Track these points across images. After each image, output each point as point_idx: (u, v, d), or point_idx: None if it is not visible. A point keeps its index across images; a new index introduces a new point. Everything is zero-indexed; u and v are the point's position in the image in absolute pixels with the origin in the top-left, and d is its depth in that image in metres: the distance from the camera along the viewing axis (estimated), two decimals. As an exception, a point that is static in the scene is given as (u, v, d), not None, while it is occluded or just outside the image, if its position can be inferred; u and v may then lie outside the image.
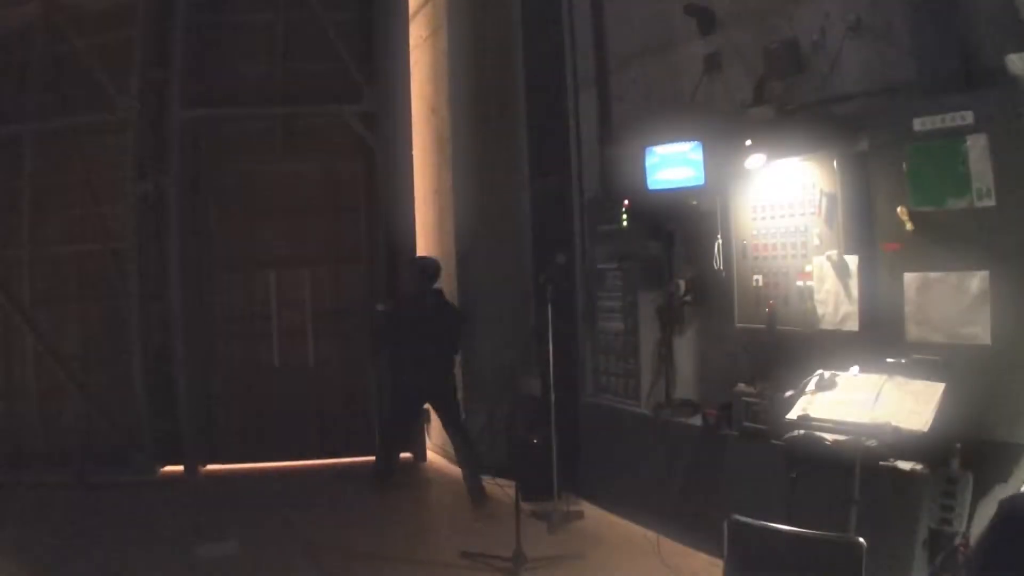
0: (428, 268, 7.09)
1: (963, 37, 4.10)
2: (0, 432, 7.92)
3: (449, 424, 7.11)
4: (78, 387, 7.87)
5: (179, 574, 5.45)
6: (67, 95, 8.17)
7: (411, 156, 8.25)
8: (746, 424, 4.95)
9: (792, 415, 4.06)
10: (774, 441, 4.66)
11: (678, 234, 6.04)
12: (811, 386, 4.18)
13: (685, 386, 6.01)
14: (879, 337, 4.34)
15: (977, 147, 3.83)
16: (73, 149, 8.15)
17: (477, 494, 6.76)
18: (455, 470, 7.85)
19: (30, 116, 8.17)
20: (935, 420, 3.62)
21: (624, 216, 6.20)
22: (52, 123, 8.12)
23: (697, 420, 5.50)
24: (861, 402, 3.88)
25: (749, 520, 3.19)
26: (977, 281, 3.86)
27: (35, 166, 8.17)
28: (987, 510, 3.79)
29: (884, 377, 4.00)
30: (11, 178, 8.18)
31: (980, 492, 3.87)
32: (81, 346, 8.00)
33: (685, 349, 6.01)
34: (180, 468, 7.87)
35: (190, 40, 8.13)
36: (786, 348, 4.96)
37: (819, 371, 4.23)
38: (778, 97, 5.08)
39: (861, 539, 2.91)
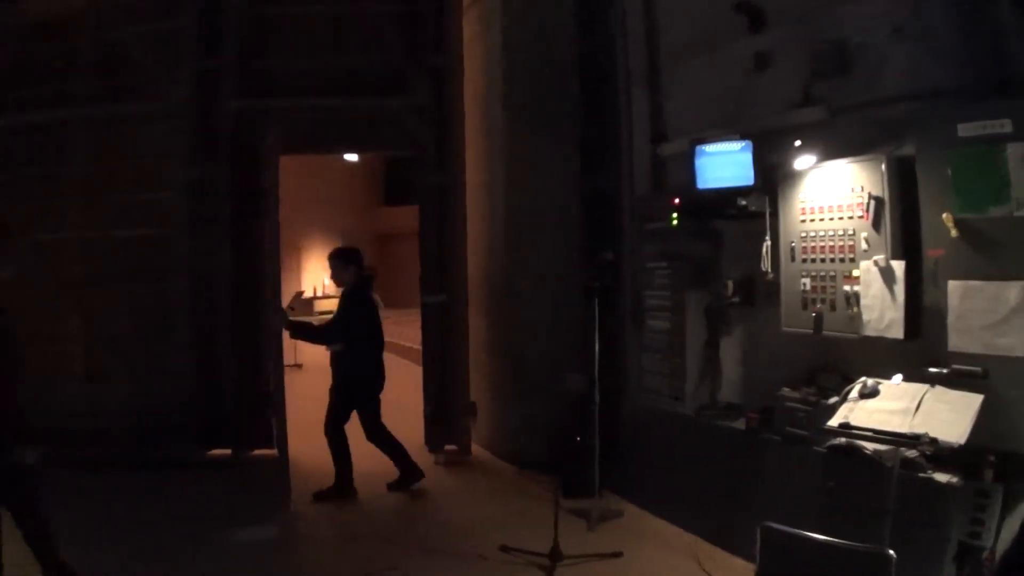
0: (353, 256, 7.19)
1: (1003, 43, 4.04)
2: (48, 412, 8.09)
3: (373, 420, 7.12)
4: (126, 369, 8.02)
5: (218, 557, 5.57)
6: (116, 82, 8.33)
7: (462, 150, 8.27)
8: (789, 429, 4.90)
9: (833, 422, 4.00)
10: (816, 448, 4.61)
11: (727, 234, 5.98)
12: (854, 393, 4.12)
13: (730, 388, 5.96)
14: (922, 345, 4.27)
15: (1017, 155, 3.77)
16: (122, 136, 8.29)
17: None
18: (499, 464, 7.95)
19: (79, 102, 8.32)
20: (972, 432, 3.53)
21: (673, 215, 6.15)
22: (101, 109, 8.27)
23: (740, 423, 5.44)
24: (902, 411, 3.80)
25: (782, 527, 3.19)
26: (1016, 292, 3.79)
27: (85, 151, 8.33)
28: (1014, 525, 3.73)
29: (926, 387, 3.93)
30: (60, 162, 8.37)
31: (1009, 506, 3.80)
32: (129, 329, 8.10)
33: (731, 350, 5.95)
34: (228, 451, 7.99)
35: (242, 31, 8.22)
36: (831, 353, 4.90)
37: (862, 378, 4.16)
38: (827, 97, 5.01)
39: (891, 551, 2.88)
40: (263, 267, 7.97)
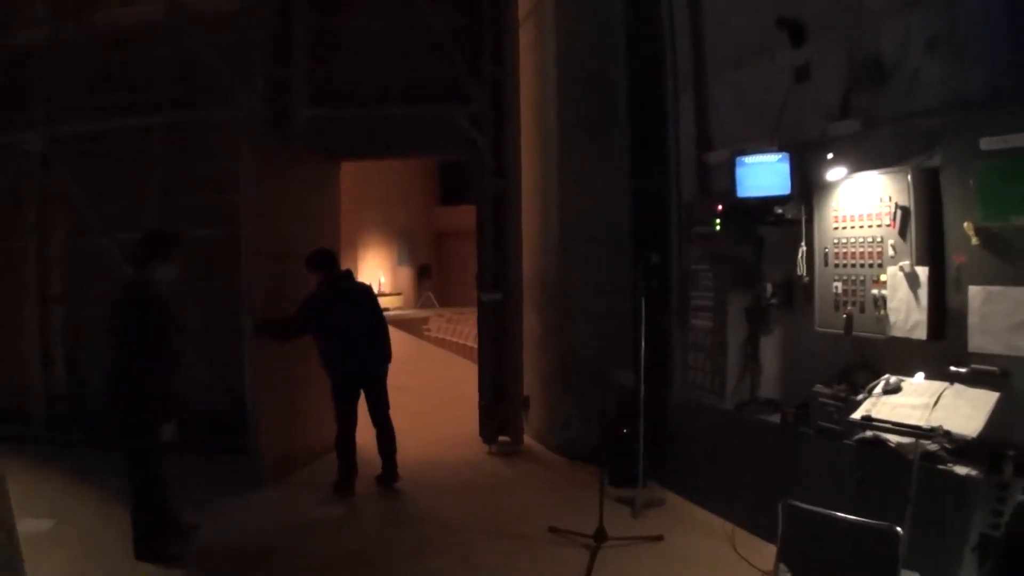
0: (331, 255, 7.27)
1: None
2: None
3: (377, 408, 7.24)
4: (199, 360, 8.40)
5: (290, 531, 6.09)
6: (192, 90, 8.88)
7: (518, 155, 8.61)
8: (821, 424, 5.20)
9: (856, 415, 4.32)
10: (846, 442, 4.91)
11: (768, 239, 6.27)
12: (878, 390, 4.42)
13: (768, 385, 6.25)
14: (945, 346, 4.55)
15: None
16: (198, 141, 8.82)
17: (389, 478, 7.25)
18: (549, 455, 8.31)
19: (157, 108, 8.89)
20: (986, 427, 3.82)
21: (717, 220, 6.46)
22: (178, 116, 8.84)
23: (777, 418, 5.74)
24: (921, 406, 4.10)
25: (801, 504, 3.55)
26: (1033, 296, 4.05)
27: (163, 155, 8.90)
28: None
29: (945, 384, 4.22)
30: (141, 166, 8.93)
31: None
32: (203, 323, 8.49)
33: (770, 349, 6.25)
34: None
35: (311, 41, 8.74)
36: (861, 352, 5.20)
37: (886, 376, 4.47)
38: (863, 110, 5.29)
39: (898, 528, 3.21)
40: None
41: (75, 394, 9.23)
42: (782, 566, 3.65)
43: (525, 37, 8.84)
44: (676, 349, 7.12)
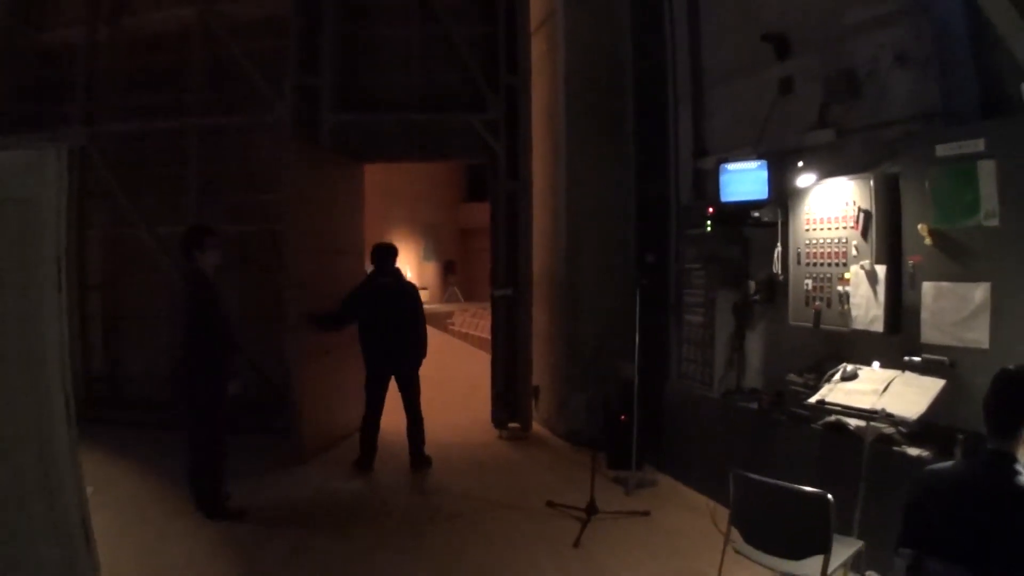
0: (383, 251, 7.86)
1: (984, 69, 4.67)
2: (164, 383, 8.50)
3: (405, 398, 7.71)
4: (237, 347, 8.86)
5: (319, 500, 6.69)
6: (226, 94, 9.38)
7: (530, 159, 9.05)
8: (793, 410, 5.66)
9: (812, 400, 4.78)
10: (813, 426, 5.37)
11: (755, 240, 6.70)
12: (836, 377, 4.88)
13: (753, 375, 6.71)
14: (901, 338, 4.98)
15: (986, 171, 4.41)
16: (233, 143, 9.32)
17: (418, 462, 7.72)
18: (556, 441, 8.81)
19: (193, 112, 9.40)
20: (927, 411, 4.23)
21: (708, 222, 6.90)
22: (214, 120, 9.35)
23: (756, 405, 6.21)
24: (872, 392, 4.55)
25: (748, 474, 4.02)
26: (980, 292, 4.45)
27: (199, 156, 9.39)
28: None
29: (897, 372, 4.66)
30: (178, 166, 9.41)
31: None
32: (239, 313, 8.56)
33: (754, 342, 6.70)
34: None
35: (338, 51, 9.24)
36: (829, 344, 5.64)
37: (844, 364, 4.92)
38: (838, 121, 5.73)
39: (829, 495, 3.66)
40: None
41: (112, 376, 9.78)
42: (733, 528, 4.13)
43: (537, 46, 9.31)
44: (673, 343, 7.57)
